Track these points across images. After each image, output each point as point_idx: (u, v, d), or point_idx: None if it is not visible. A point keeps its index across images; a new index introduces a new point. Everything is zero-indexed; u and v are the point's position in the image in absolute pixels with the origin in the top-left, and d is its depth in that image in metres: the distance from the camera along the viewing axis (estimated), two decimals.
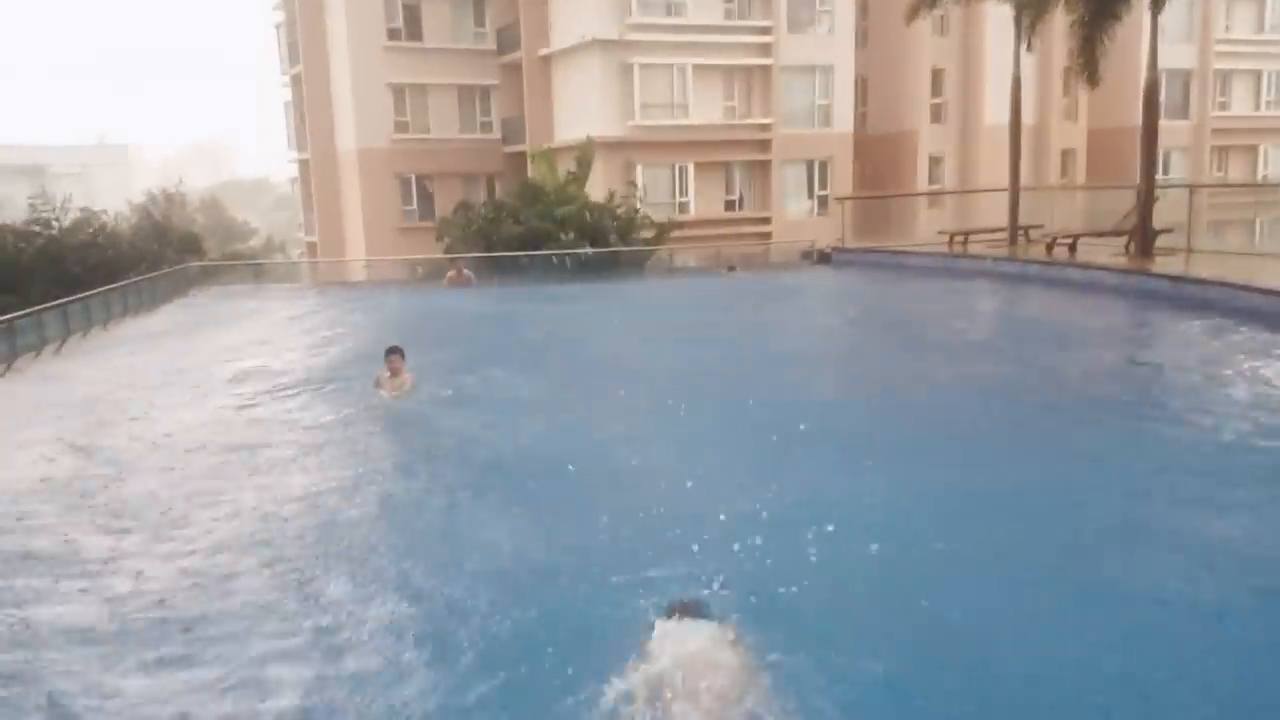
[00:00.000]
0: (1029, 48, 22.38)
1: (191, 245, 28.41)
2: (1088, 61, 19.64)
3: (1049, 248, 20.43)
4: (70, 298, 17.18)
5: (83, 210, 27.01)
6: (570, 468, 8.31)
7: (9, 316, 14.43)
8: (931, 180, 38.88)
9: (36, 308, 15.80)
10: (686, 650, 4.62)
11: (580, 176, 28.67)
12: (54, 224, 25.95)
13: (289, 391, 12.43)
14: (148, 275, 21.96)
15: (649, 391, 11.29)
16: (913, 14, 24.29)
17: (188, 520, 7.64)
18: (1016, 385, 11.76)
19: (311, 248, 40.71)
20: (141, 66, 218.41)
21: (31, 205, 26.59)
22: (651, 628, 4.87)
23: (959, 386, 11.79)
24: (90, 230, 26.33)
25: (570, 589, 5.98)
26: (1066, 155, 40.92)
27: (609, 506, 7.18)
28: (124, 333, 17.94)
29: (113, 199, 33.61)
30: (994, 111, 35.54)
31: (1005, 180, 23.61)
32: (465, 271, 23.18)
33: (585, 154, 29.29)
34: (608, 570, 6.02)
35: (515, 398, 11.62)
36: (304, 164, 40.87)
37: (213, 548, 7.00)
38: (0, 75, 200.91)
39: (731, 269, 25.98)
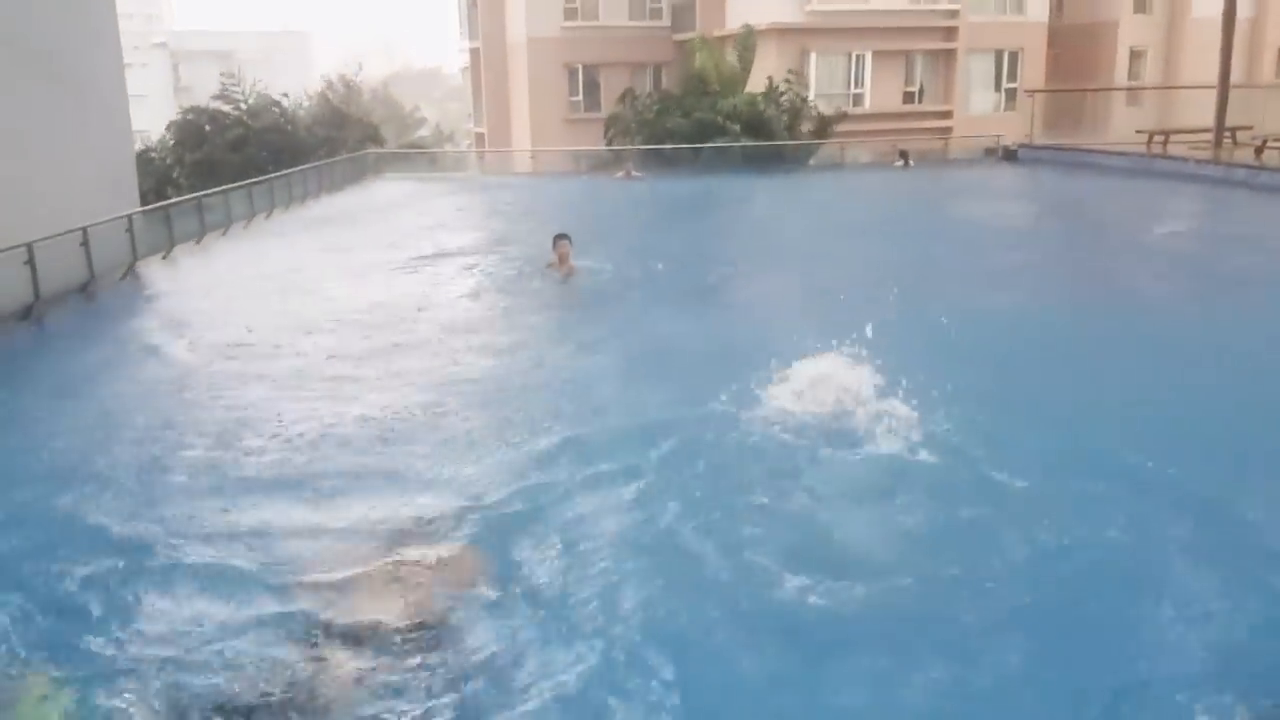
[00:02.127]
0: None
1: (370, 133, 29.11)
2: None
3: (1259, 151, 18.69)
4: (254, 179, 17.90)
5: (263, 95, 27.92)
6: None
7: (197, 195, 15.13)
8: (1131, 75, 35.88)
9: (224, 187, 16.51)
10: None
11: (744, 66, 27.71)
12: (241, 105, 26.98)
13: (468, 270, 13.08)
14: (328, 160, 22.64)
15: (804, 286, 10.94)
16: None
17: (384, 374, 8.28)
18: (1221, 299, 10.74)
19: (479, 138, 41.16)
20: None
21: (222, 84, 27.65)
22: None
23: (1155, 297, 10.92)
24: (273, 114, 27.26)
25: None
26: None
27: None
28: (307, 214, 18.69)
29: (294, 85, 34.51)
30: (1204, 2, 32.29)
31: (1213, 77, 21.52)
32: (634, 172, 23.33)
33: (747, 43, 28.23)
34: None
35: (674, 286, 11.77)
36: (474, 53, 41.04)
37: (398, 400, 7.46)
38: None
39: (904, 156, 24.72)
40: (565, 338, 9.51)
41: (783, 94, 26.93)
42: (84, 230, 11.70)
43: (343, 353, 9.04)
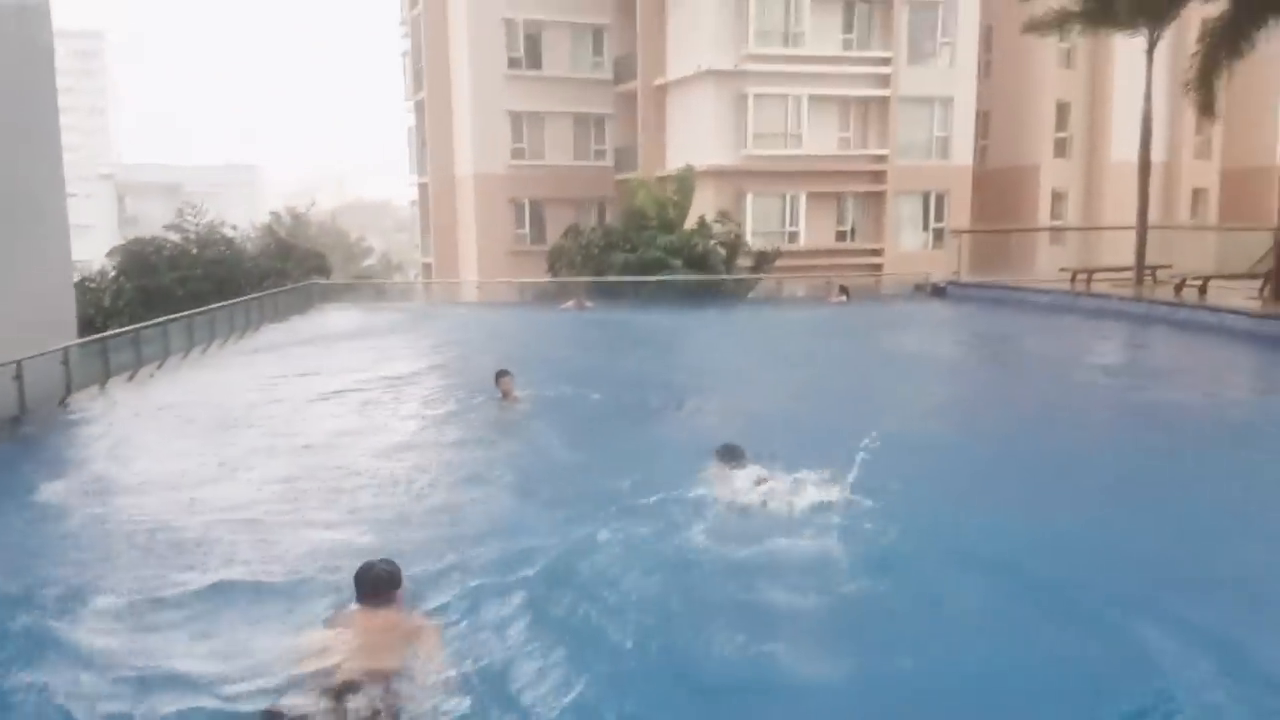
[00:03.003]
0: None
1: (316, 264, 29.37)
2: (1204, 93, 18.91)
3: (1178, 288, 19.56)
4: (195, 310, 17.89)
5: (212, 225, 28.17)
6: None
7: (136, 327, 15.07)
8: (1053, 216, 37.73)
9: (163, 319, 16.47)
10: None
11: (681, 205, 28.76)
12: (190, 235, 27.14)
13: (409, 400, 13.21)
14: (272, 291, 22.73)
15: (746, 413, 11.19)
16: (1033, 28, 23.56)
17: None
18: (1142, 429, 11.14)
19: (427, 268, 41.74)
20: (274, 91, 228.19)
21: (179, 213, 27.91)
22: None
23: (1079, 427, 11.28)
24: (219, 245, 27.45)
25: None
26: (1198, 194, 39.22)
27: None
28: (249, 345, 18.63)
29: (242, 218, 34.87)
30: (1121, 147, 34.30)
31: (1131, 218, 22.73)
32: (586, 303, 23.95)
33: (685, 183, 29.39)
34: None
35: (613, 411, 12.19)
36: (423, 187, 42.00)
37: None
38: (141, 97, 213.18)
39: (844, 291, 25.57)
40: (502, 461, 9.78)
41: (721, 232, 27.84)
42: (18, 364, 11.58)
43: (272, 484, 8.95)
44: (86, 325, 19.11)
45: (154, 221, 31.43)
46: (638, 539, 6.83)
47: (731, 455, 7.88)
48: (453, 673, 5.02)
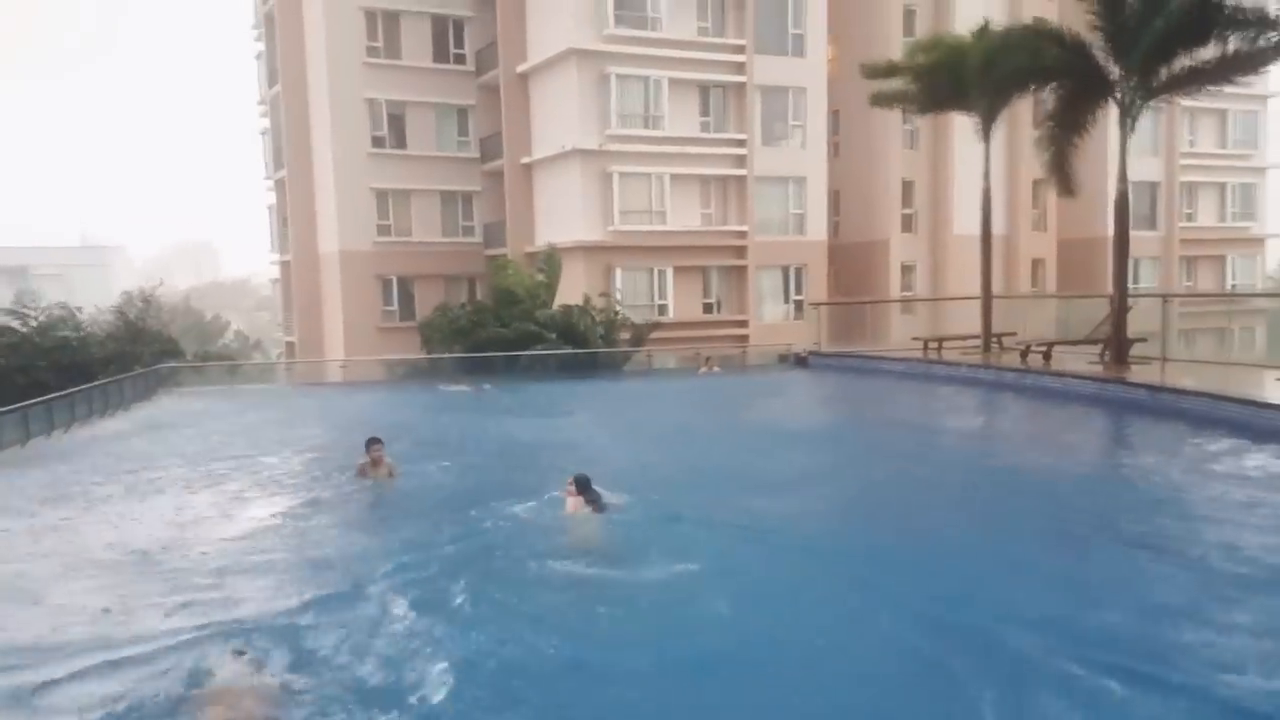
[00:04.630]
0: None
1: (168, 347, 28.30)
2: (1059, 173, 20.22)
3: (1023, 355, 20.58)
4: (33, 400, 16.98)
5: (59, 308, 26.97)
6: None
7: None
8: (904, 287, 39.59)
9: None
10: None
11: (549, 283, 29.16)
12: (30, 322, 25.84)
13: (263, 487, 12.66)
14: (116, 377, 21.74)
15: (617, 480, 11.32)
16: (878, 102, 24.84)
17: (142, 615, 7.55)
18: (994, 496, 11.70)
19: (290, 348, 40.74)
20: (128, 168, 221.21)
21: (17, 300, 26.58)
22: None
23: (932, 492, 11.77)
24: (63, 332, 26.21)
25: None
26: (1037, 264, 41.83)
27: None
28: (92, 433, 17.67)
29: (93, 299, 33.43)
30: (963, 222, 36.50)
31: (976, 288, 23.97)
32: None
33: (551, 261, 29.92)
34: None
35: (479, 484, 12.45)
36: (285, 265, 41.20)
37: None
38: None
39: (708, 360, 26.27)
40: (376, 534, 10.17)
41: (598, 308, 28.24)
42: None
43: (110, 590, 8.35)
44: None
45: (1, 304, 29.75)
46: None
47: (581, 482, 10.00)
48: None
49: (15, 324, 25.58)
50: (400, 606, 7.49)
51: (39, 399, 17.37)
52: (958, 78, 21.88)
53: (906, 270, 40.08)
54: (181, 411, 20.84)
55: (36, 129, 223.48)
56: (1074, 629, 6.89)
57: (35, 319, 26.01)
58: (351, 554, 9.22)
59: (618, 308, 29.45)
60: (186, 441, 16.61)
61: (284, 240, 41.19)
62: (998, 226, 29.57)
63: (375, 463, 12.09)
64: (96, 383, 20.48)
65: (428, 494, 11.86)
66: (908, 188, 39.92)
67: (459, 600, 7.71)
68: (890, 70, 23.80)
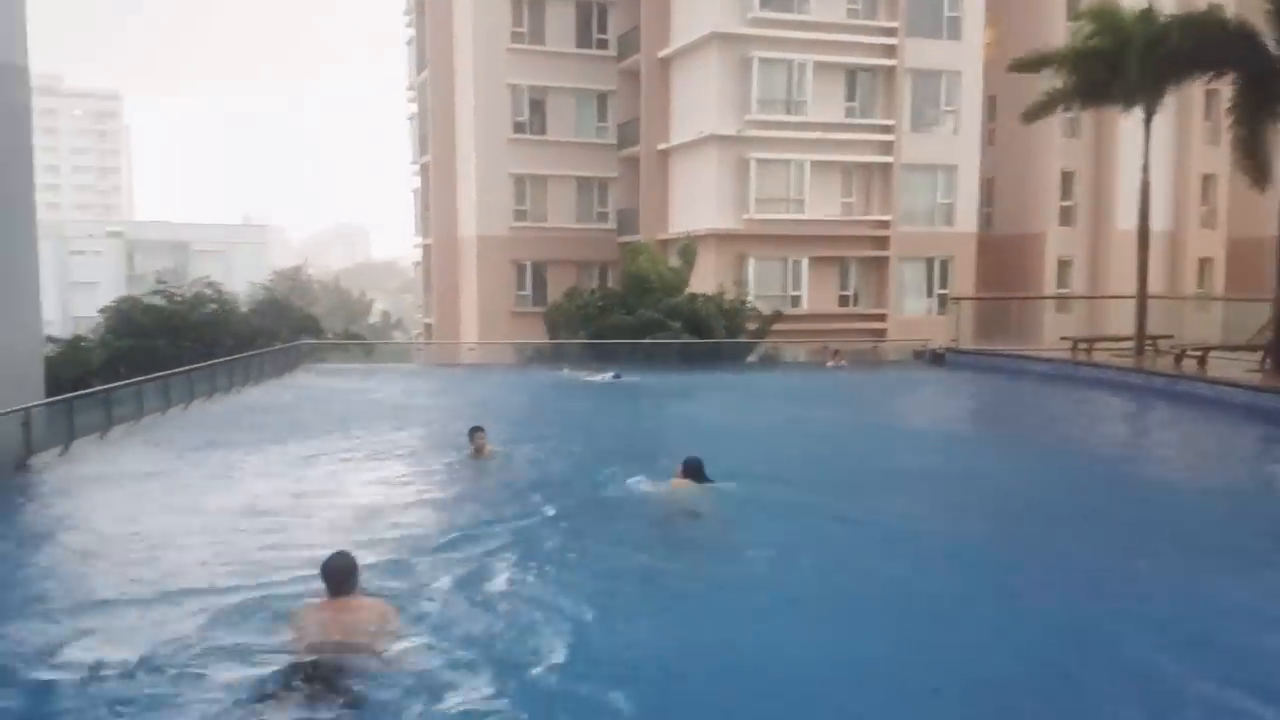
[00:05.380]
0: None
1: (307, 324, 29.18)
2: (1251, 161, 18.62)
3: (1177, 359, 19.15)
4: (175, 370, 17.60)
5: (205, 285, 28.12)
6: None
7: (107, 387, 14.78)
8: (1059, 284, 37.43)
9: (137, 379, 16.18)
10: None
11: (683, 271, 28.67)
12: (177, 299, 26.99)
13: (381, 459, 13.24)
14: (256, 351, 22.46)
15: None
16: (1032, 117, 23.50)
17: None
18: (1133, 511, 10.66)
19: (428, 329, 41.64)
20: (290, 152, 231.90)
21: (158, 278, 27.85)
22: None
23: (1063, 502, 10.84)
24: (211, 306, 27.29)
25: None
26: (1204, 264, 38.90)
27: None
28: (231, 405, 18.29)
29: (251, 277, 34.89)
30: (1127, 216, 34.03)
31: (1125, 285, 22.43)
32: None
33: (688, 249, 29.41)
34: None
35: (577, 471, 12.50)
36: (427, 248, 42.11)
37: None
38: (156, 156, 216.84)
39: (835, 354, 25.26)
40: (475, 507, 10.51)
41: (726, 298, 27.66)
42: None
43: (233, 552, 8.67)
44: (76, 384, 18.87)
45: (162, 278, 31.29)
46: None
47: (690, 466, 10.17)
48: (408, 644, 6.07)
49: (161, 301, 26.73)
50: (500, 567, 7.99)
51: (180, 369, 18.02)
52: (1116, 65, 20.30)
53: (1063, 266, 37.88)
54: (316, 386, 21.43)
55: (209, 116, 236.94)
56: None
57: (181, 296, 27.14)
58: (457, 521, 9.75)
59: (745, 297, 28.68)
60: (317, 415, 17.14)
61: (425, 224, 42.07)
62: (1163, 222, 27.57)
63: (478, 449, 12.45)
64: (237, 356, 21.17)
65: (533, 472, 12.08)
66: (1067, 178, 37.68)
67: (555, 563, 8.29)
68: (1041, 62, 22.35)
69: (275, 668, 5.68)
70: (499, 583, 7.65)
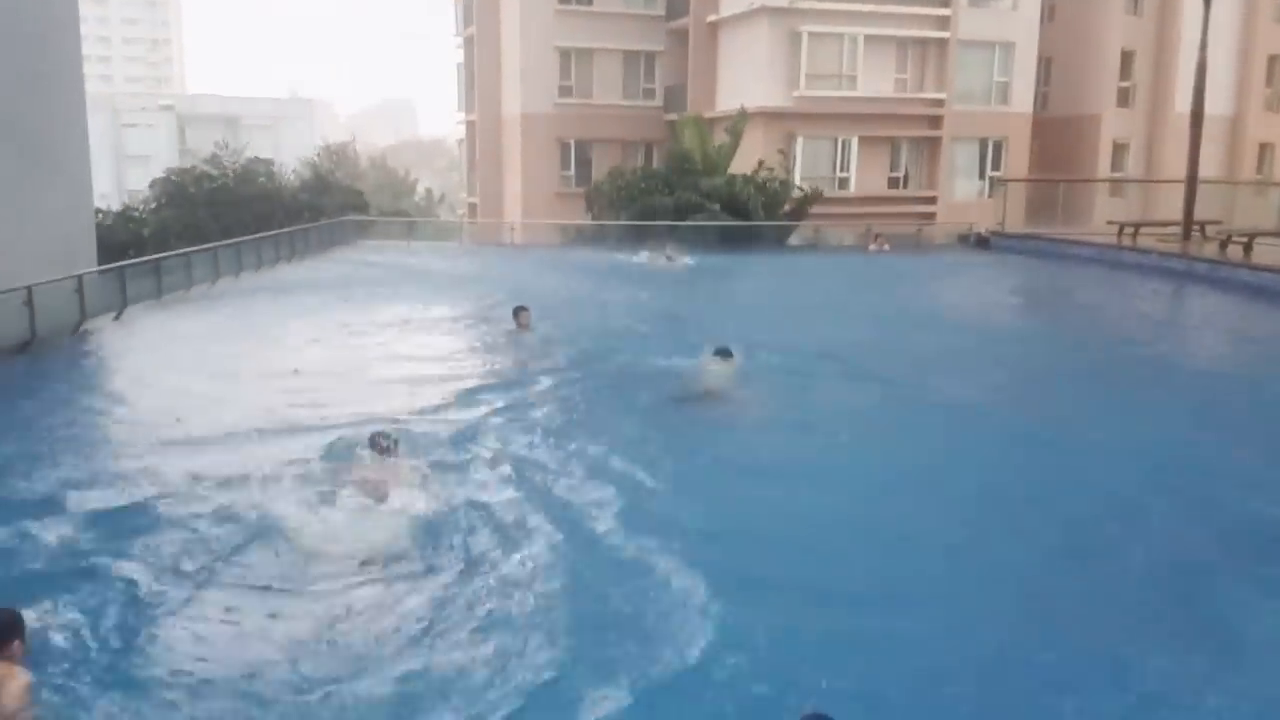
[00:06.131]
0: None
1: (352, 200, 29.40)
2: None
3: (1222, 245, 18.75)
4: (223, 242, 18.02)
5: (256, 160, 28.37)
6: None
7: (156, 257, 15.21)
8: (1114, 168, 36.34)
9: (186, 250, 16.61)
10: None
11: (729, 149, 28.21)
12: (228, 170, 27.31)
13: (424, 331, 13.83)
14: (301, 226, 22.81)
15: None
16: None
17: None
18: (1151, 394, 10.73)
19: (472, 208, 41.62)
20: (340, 25, 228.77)
21: (214, 150, 28.13)
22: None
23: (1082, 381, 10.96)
24: (259, 179, 27.59)
25: None
26: (1265, 149, 37.44)
27: None
28: (277, 277, 18.80)
29: (298, 152, 34.99)
30: (1187, 99, 32.62)
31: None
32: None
33: (737, 126, 28.83)
34: None
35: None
36: (470, 125, 41.70)
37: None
38: (207, 29, 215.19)
39: (876, 237, 25.04)
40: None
41: (764, 178, 27.27)
42: (28, 289, 11.74)
43: (280, 396, 9.57)
44: (126, 254, 19.41)
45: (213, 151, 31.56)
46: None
47: (723, 351, 10.47)
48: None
49: (214, 171, 27.05)
50: (534, 431, 8.53)
51: (227, 241, 18.44)
52: None
53: (1119, 149, 36.71)
54: (359, 261, 21.80)
55: None
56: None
57: (232, 171, 27.44)
58: (495, 385, 10.40)
59: (782, 177, 28.19)
60: (361, 288, 17.48)
61: (470, 101, 41.56)
62: (1223, 105, 26.47)
63: (520, 325, 12.82)
64: (282, 230, 21.54)
65: (570, 348, 12.45)
66: (1127, 58, 36.16)
67: (577, 426, 8.78)
68: None
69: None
70: (521, 444, 8.16)
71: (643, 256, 22.01)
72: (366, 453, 7.21)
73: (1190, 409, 9.86)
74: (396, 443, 7.40)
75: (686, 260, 21.42)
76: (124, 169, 62.45)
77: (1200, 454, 8.30)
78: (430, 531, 6.24)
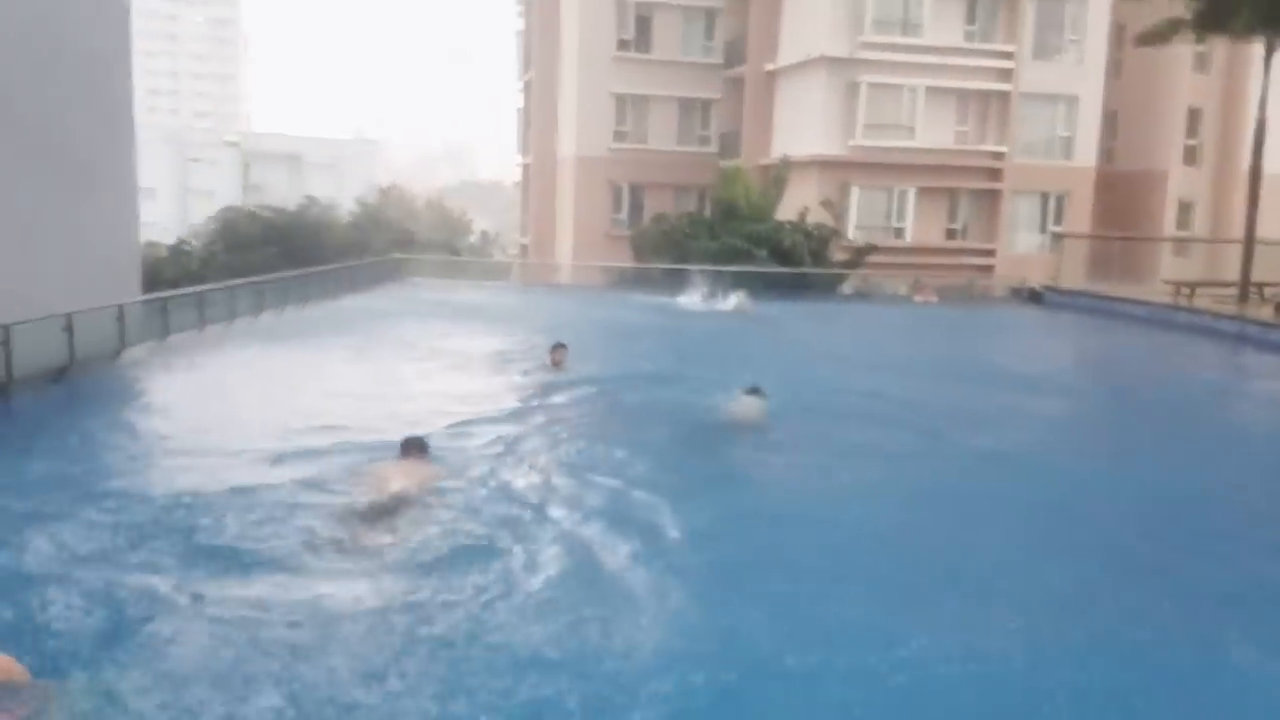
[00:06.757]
0: None
1: (404, 239, 29.62)
2: None
3: (1277, 309, 18.05)
4: (268, 277, 18.08)
5: (308, 200, 28.75)
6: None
7: (199, 288, 15.26)
8: (1180, 226, 35.42)
9: (230, 283, 16.66)
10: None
11: (775, 196, 28.03)
12: (282, 209, 27.71)
13: (460, 368, 13.83)
14: (347, 263, 22.91)
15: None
16: (1147, 40, 22.08)
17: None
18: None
19: (524, 249, 41.83)
20: (403, 69, 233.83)
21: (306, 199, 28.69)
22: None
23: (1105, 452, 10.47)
24: (311, 216, 27.92)
25: None
26: None
27: None
28: (319, 314, 18.75)
29: (359, 191, 35.45)
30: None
31: (1268, 232, 21.15)
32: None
33: (780, 174, 28.74)
34: None
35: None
36: (526, 168, 42.09)
37: None
38: (271, 68, 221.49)
39: (923, 288, 24.56)
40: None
41: (812, 225, 27.00)
42: (68, 316, 11.72)
43: (317, 420, 9.70)
44: (174, 286, 19.57)
45: (275, 189, 32.15)
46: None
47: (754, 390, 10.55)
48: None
49: (267, 213, 27.41)
50: (558, 460, 8.81)
51: (272, 275, 18.51)
52: None
53: (1184, 207, 35.81)
54: (404, 299, 21.84)
55: (329, 29, 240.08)
56: None
57: (285, 209, 27.81)
58: (519, 418, 10.53)
59: (834, 225, 27.88)
60: (403, 326, 17.48)
61: (526, 143, 41.96)
62: None
63: (556, 363, 12.99)
64: (329, 266, 21.62)
65: (608, 384, 12.55)
66: (1194, 116, 35.39)
67: (606, 463, 8.77)
68: None
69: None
70: (542, 474, 8.45)
71: (693, 299, 21.75)
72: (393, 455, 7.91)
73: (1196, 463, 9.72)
74: (426, 448, 8.08)
75: (751, 307, 21.03)
76: (189, 203, 63.93)
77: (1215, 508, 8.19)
78: (440, 538, 6.47)
